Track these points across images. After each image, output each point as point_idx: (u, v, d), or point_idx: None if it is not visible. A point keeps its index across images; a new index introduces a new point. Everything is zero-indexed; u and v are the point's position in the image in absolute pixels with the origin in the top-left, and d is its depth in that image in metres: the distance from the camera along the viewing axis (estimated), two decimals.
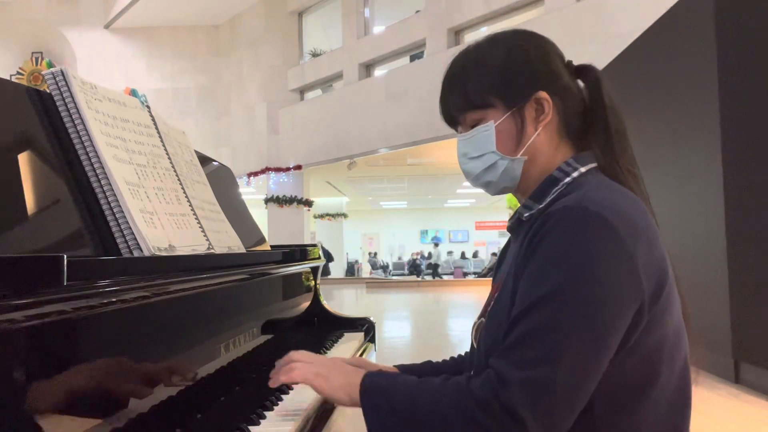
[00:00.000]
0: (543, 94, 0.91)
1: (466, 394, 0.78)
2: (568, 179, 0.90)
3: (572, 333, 0.75)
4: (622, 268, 0.77)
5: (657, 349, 0.82)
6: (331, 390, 0.89)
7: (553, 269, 0.78)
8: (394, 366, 1.17)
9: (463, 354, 1.20)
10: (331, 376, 0.90)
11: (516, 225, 0.96)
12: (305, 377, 0.91)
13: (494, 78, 0.93)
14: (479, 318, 0.98)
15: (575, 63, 0.98)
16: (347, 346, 1.55)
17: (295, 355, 0.96)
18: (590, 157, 0.92)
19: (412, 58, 12.10)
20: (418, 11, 11.85)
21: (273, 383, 0.95)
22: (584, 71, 0.96)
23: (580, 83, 0.97)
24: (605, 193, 0.84)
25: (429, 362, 1.20)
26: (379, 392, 0.84)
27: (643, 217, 0.83)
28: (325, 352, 1.48)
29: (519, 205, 0.97)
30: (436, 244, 22.70)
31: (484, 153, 0.94)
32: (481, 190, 1.05)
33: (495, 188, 0.98)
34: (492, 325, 0.90)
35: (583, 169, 0.90)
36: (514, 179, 0.95)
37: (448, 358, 1.21)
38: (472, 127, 0.95)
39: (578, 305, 0.76)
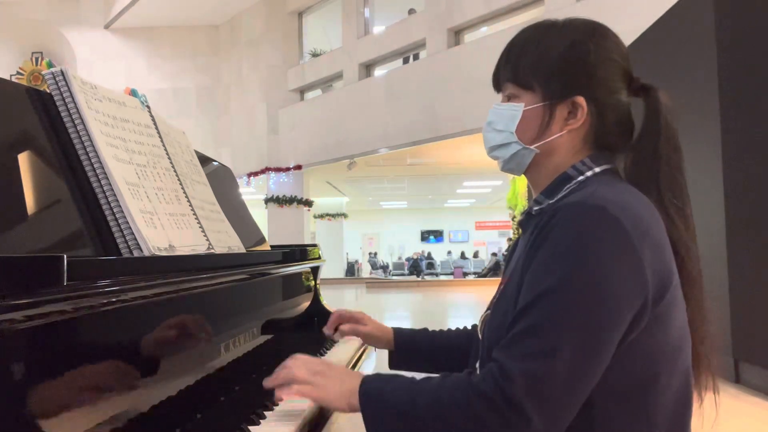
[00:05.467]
0: (581, 100, 0.90)
1: (467, 389, 0.78)
2: (581, 177, 0.90)
3: (573, 326, 0.75)
4: (627, 263, 0.77)
5: (657, 351, 0.81)
6: (330, 399, 0.88)
7: (556, 264, 0.78)
8: (392, 328, 1.27)
9: (461, 328, 1.26)
10: (328, 385, 0.89)
11: (526, 219, 0.96)
12: (301, 391, 0.90)
13: (545, 65, 0.92)
14: (486, 311, 0.99)
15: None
16: (347, 346, 1.54)
17: (290, 361, 0.94)
18: (606, 158, 0.92)
19: (405, 61, 12.08)
20: (411, 9, 11.82)
21: (271, 387, 0.94)
22: (646, 92, 0.94)
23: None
24: (614, 190, 0.84)
25: (425, 329, 1.27)
26: (378, 396, 0.84)
27: (651, 216, 0.83)
28: (325, 353, 1.48)
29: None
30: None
31: (504, 130, 0.95)
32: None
33: (502, 165, 1.00)
34: (497, 317, 0.91)
35: (597, 169, 0.91)
36: (521, 165, 0.96)
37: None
38: (509, 99, 0.96)
39: (580, 299, 0.76)
